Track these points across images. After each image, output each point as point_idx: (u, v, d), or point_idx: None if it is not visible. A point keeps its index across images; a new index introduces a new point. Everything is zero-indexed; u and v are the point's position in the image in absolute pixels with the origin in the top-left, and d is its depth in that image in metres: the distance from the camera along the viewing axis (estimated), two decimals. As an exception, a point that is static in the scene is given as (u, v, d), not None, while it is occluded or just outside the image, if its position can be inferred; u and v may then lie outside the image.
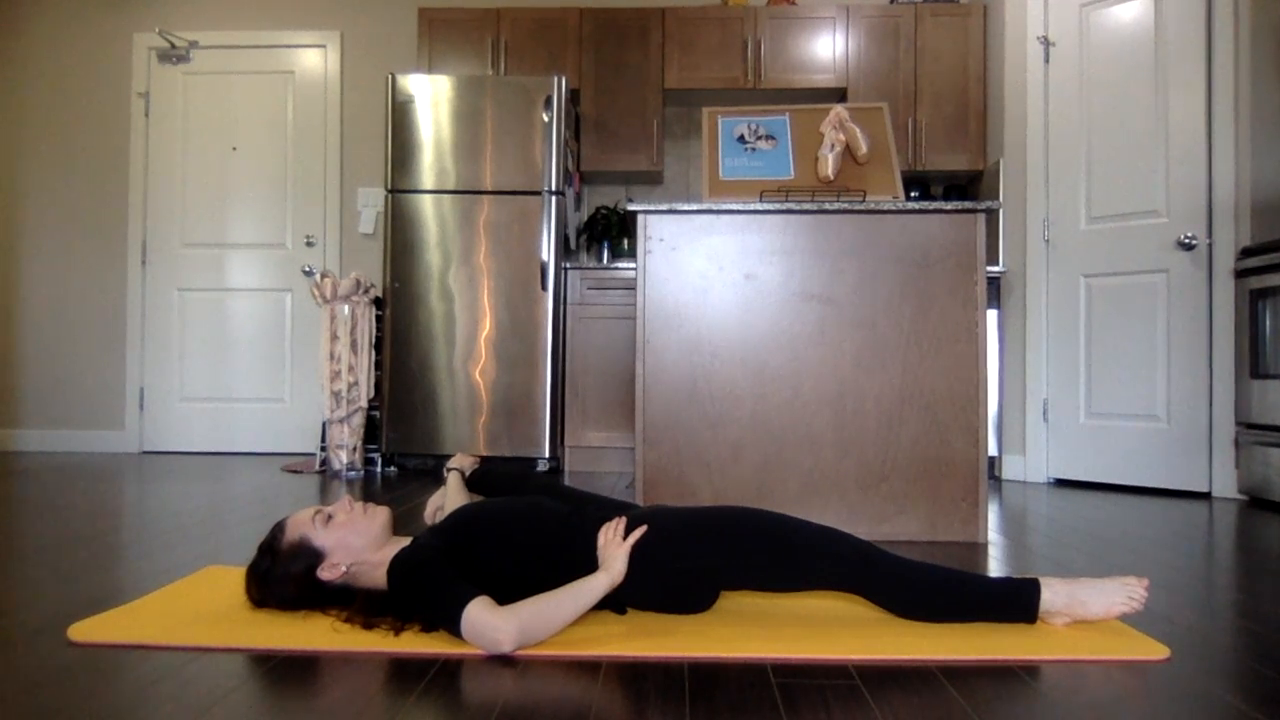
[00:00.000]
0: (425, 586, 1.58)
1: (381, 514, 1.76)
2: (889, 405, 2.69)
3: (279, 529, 1.74)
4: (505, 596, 1.58)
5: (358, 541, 1.70)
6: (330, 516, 1.73)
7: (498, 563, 1.69)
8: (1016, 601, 1.69)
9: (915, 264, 2.71)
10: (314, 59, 5.21)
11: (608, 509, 1.90)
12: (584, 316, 4.54)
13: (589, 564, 1.67)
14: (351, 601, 1.69)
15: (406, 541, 1.75)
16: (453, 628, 1.52)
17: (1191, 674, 1.47)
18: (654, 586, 1.72)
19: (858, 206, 2.70)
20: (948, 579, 1.71)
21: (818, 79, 4.78)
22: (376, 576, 1.70)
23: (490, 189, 4.38)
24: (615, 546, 1.66)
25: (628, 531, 1.70)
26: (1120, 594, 1.68)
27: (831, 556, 1.68)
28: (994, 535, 2.78)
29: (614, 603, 1.71)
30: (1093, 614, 1.68)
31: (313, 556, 1.69)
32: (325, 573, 1.69)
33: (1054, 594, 1.68)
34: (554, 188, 4.36)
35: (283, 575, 1.70)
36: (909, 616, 1.72)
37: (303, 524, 1.72)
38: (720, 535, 1.70)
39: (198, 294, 5.19)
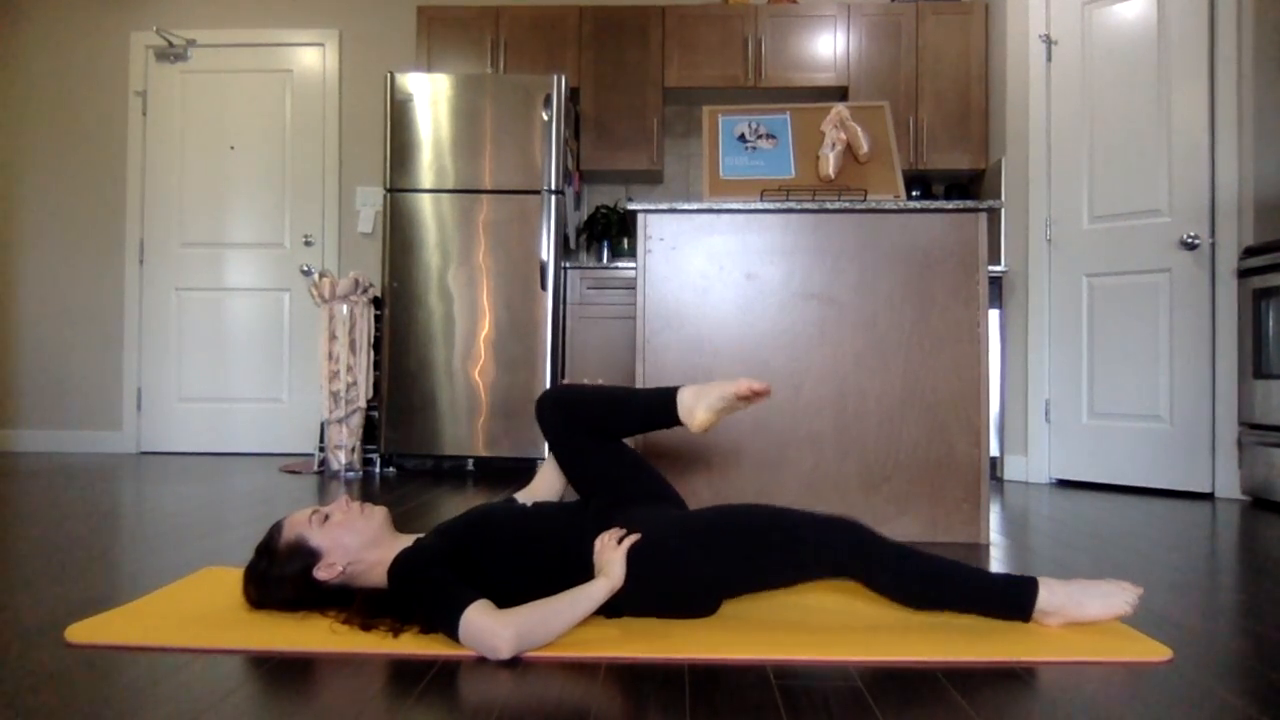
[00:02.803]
0: (425, 588, 1.57)
1: (378, 513, 1.74)
2: (890, 405, 2.68)
3: (276, 530, 1.73)
4: (505, 603, 1.56)
5: (354, 541, 1.69)
6: (327, 516, 1.72)
7: (499, 568, 1.67)
8: (1013, 598, 1.68)
9: (917, 263, 2.70)
10: (312, 57, 5.20)
11: (639, 497, 1.89)
12: (584, 316, 4.53)
13: (590, 574, 1.67)
14: (350, 602, 1.68)
15: (408, 540, 1.74)
16: (450, 631, 1.51)
17: (1194, 675, 1.46)
18: (654, 594, 1.71)
19: (859, 206, 2.69)
20: (946, 569, 1.70)
21: (818, 77, 4.77)
22: (375, 576, 1.69)
23: (490, 188, 4.37)
24: (611, 551, 1.65)
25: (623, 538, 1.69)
26: (1116, 597, 1.67)
27: (832, 546, 1.67)
28: (996, 536, 2.76)
29: (610, 609, 1.70)
30: (1087, 616, 1.67)
31: (309, 556, 1.68)
32: (321, 573, 1.68)
33: (1050, 594, 1.67)
34: (553, 187, 4.35)
35: (279, 576, 1.69)
36: (904, 603, 1.71)
37: (299, 524, 1.71)
38: (717, 541, 1.69)
39: (196, 294, 5.18)
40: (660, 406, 1.88)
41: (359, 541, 1.69)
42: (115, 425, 5.18)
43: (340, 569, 1.68)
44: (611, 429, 1.95)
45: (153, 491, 3.56)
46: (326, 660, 1.50)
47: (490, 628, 1.48)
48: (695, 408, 1.84)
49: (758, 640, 1.61)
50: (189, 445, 5.14)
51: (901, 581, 1.68)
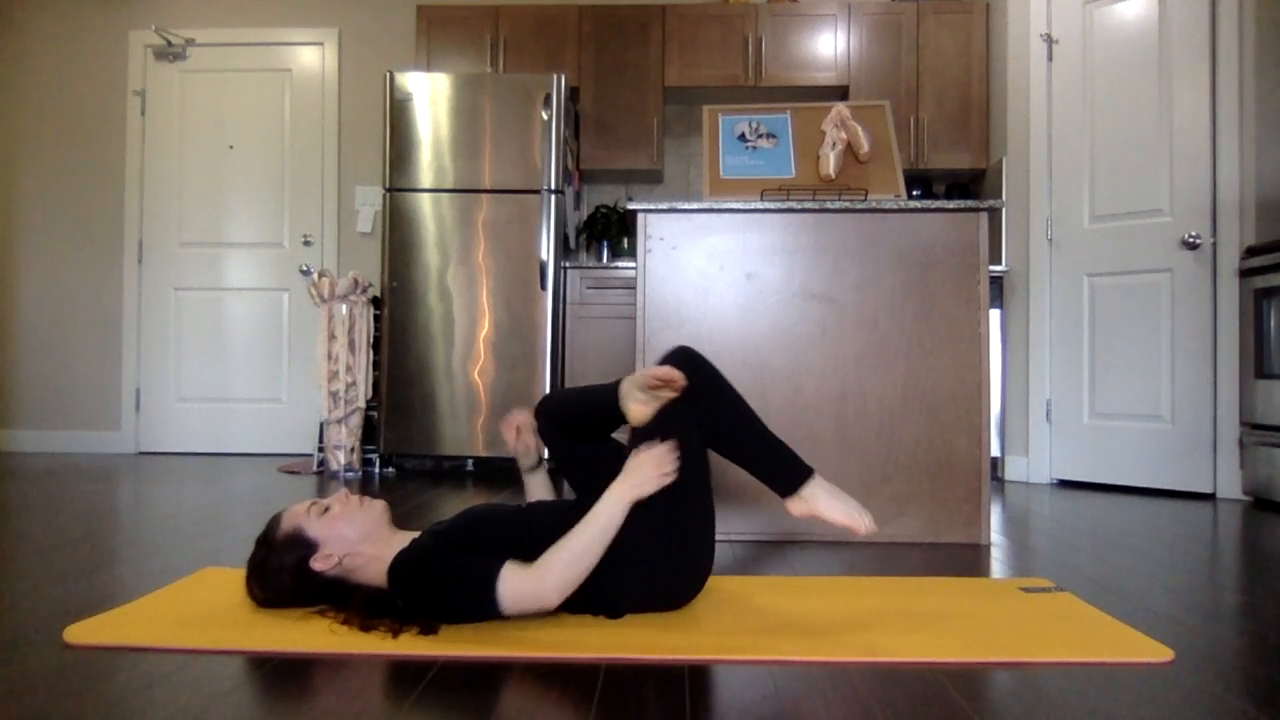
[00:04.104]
0: (443, 576, 1.57)
1: (377, 506, 1.74)
2: (891, 405, 2.68)
3: (274, 521, 1.74)
4: None
5: (352, 533, 1.69)
6: (326, 508, 1.72)
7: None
8: (790, 474, 1.81)
9: (917, 263, 2.69)
10: (312, 57, 5.19)
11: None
12: (584, 316, 4.52)
13: None
14: (348, 598, 1.67)
15: (407, 537, 1.73)
16: (489, 608, 1.54)
17: (1195, 676, 1.45)
18: (649, 583, 1.72)
19: (859, 205, 2.68)
20: (757, 422, 1.84)
21: (819, 77, 4.76)
22: (374, 571, 1.68)
23: (489, 188, 4.36)
24: (643, 459, 1.66)
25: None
26: (856, 514, 1.80)
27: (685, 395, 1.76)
28: (997, 537, 2.76)
29: (612, 610, 1.70)
30: (828, 514, 1.80)
31: (306, 547, 1.68)
32: (318, 563, 1.67)
33: (816, 486, 1.81)
34: (553, 186, 4.34)
35: (277, 567, 1.69)
36: (712, 438, 1.82)
37: (297, 515, 1.71)
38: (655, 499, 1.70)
39: (194, 294, 5.18)
40: (609, 404, 1.83)
41: (357, 533, 1.69)
42: (114, 425, 5.17)
43: (337, 559, 1.67)
44: (587, 432, 1.93)
45: (152, 492, 3.56)
46: (326, 661, 1.50)
47: (530, 588, 1.53)
48: (627, 401, 1.79)
49: (758, 640, 1.61)
50: (188, 445, 5.14)
51: (723, 408, 1.81)
